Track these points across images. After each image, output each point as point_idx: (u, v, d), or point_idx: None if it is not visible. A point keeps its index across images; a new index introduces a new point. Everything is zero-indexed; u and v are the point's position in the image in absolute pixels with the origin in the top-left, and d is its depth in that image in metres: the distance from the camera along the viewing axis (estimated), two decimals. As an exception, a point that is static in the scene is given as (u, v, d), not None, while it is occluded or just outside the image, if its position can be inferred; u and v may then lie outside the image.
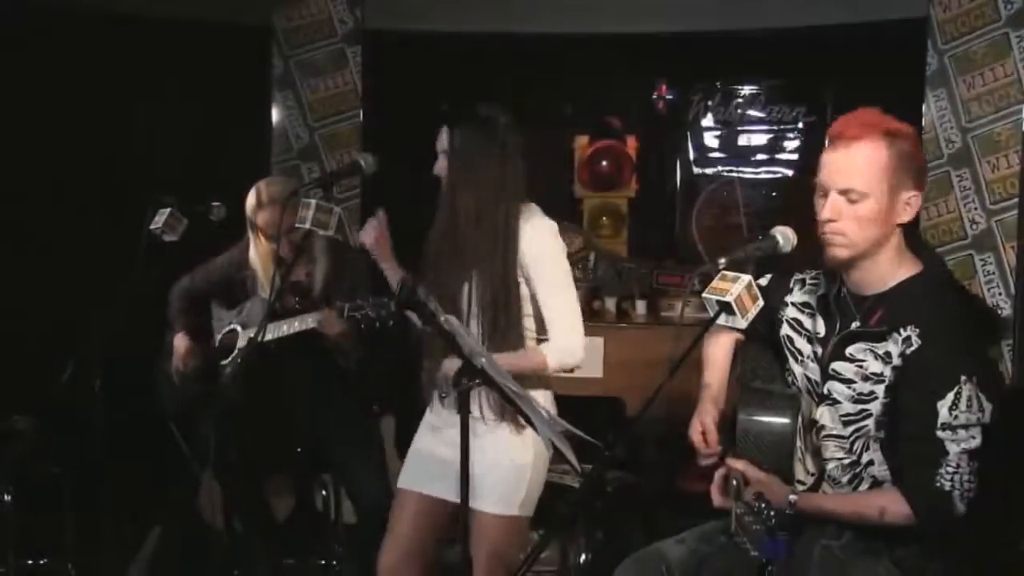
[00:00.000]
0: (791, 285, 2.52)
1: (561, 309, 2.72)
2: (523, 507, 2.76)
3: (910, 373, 2.23)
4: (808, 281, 2.49)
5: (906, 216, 2.27)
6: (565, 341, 2.70)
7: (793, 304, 2.49)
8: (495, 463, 2.73)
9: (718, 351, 2.69)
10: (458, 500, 2.74)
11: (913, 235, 2.43)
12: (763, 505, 2.13)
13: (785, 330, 2.48)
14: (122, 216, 3.75)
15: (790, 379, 2.49)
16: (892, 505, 2.24)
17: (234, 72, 5.35)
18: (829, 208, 2.27)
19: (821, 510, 2.32)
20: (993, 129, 4.71)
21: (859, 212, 2.25)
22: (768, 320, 2.52)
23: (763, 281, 2.57)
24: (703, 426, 2.52)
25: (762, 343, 2.57)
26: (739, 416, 2.41)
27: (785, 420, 2.37)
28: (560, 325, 2.71)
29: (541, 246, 2.73)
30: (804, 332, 2.44)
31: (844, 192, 2.25)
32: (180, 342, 3.86)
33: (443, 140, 2.78)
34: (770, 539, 2.18)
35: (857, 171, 2.24)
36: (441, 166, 2.78)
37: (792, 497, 2.30)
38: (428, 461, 2.86)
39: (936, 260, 2.42)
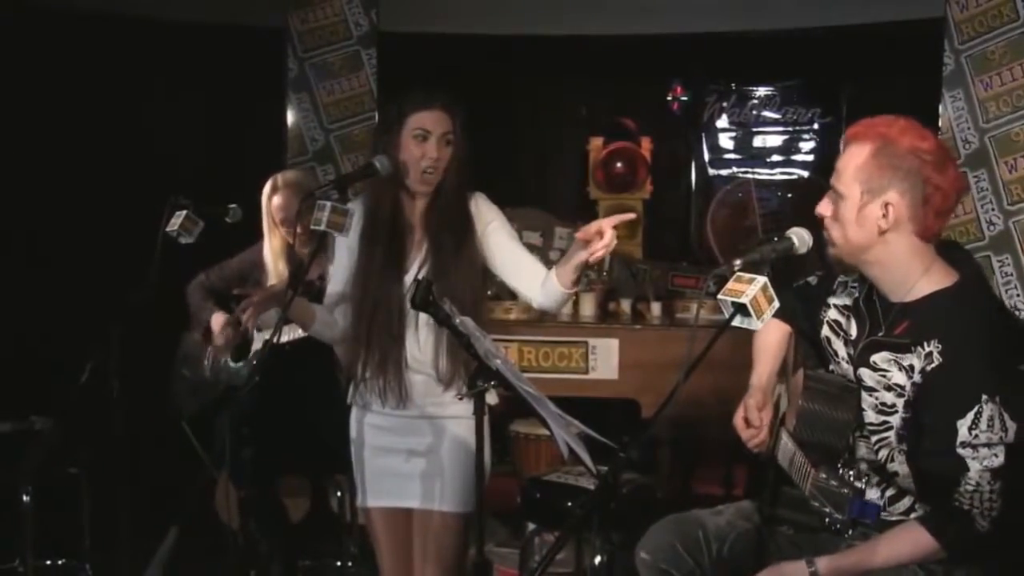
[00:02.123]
0: (834, 287, 2.51)
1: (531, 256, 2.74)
2: (476, 499, 2.74)
3: (930, 390, 2.21)
4: (850, 283, 2.48)
5: (884, 224, 2.22)
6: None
7: (835, 306, 2.48)
8: (457, 463, 2.74)
9: (769, 341, 2.67)
10: (419, 506, 2.77)
11: (953, 244, 2.40)
12: (849, 471, 2.13)
13: (825, 331, 2.48)
14: (138, 218, 3.77)
15: None
16: (917, 542, 2.22)
17: (249, 74, 5.37)
18: (821, 203, 2.31)
19: (848, 569, 2.27)
20: (1011, 129, 4.69)
21: (839, 213, 2.27)
22: (811, 320, 2.53)
23: (812, 280, 2.59)
24: (747, 410, 2.51)
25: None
26: (800, 403, 2.42)
27: (844, 412, 2.36)
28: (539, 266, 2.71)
29: (492, 211, 2.74)
30: (841, 334, 2.44)
31: (832, 189, 2.29)
32: (217, 318, 3.86)
33: (444, 123, 2.68)
34: (859, 500, 2.19)
35: (839, 170, 2.27)
36: (441, 152, 2.67)
37: (811, 569, 2.27)
38: (382, 475, 2.83)
39: (973, 273, 2.36)
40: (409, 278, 2.66)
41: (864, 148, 2.23)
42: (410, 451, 2.78)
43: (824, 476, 2.24)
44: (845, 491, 2.21)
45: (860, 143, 2.25)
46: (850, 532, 2.30)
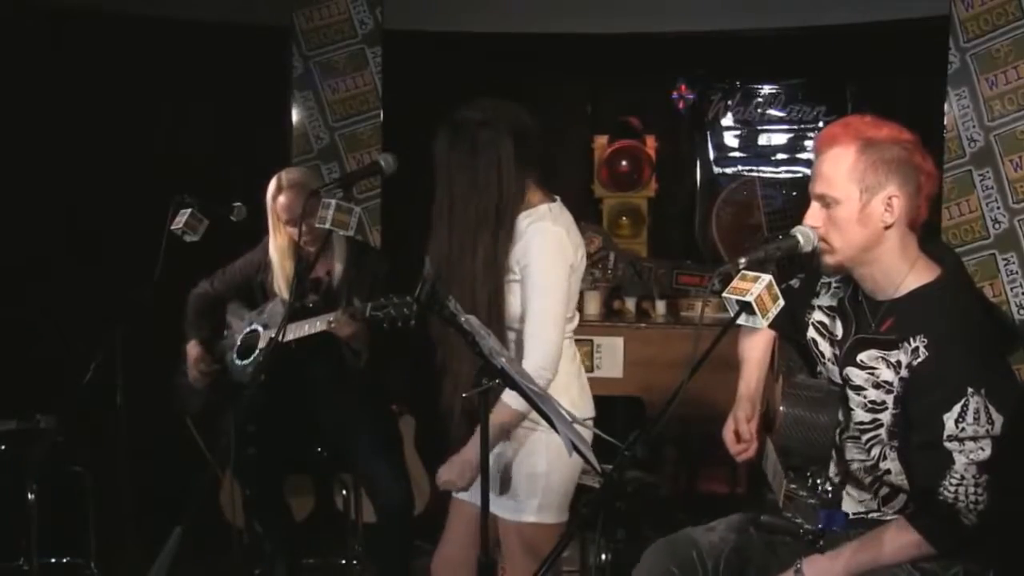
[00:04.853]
0: (818, 288, 2.51)
1: (538, 324, 2.66)
2: (541, 513, 2.74)
3: (917, 385, 2.21)
4: (833, 284, 2.48)
5: (889, 218, 2.22)
6: (538, 360, 2.64)
7: (820, 307, 2.48)
8: (507, 470, 2.74)
9: (754, 349, 2.68)
10: (469, 500, 2.79)
11: (934, 239, 2.40)
12: (817, 480, 2.11)
13: (811, 333, 2.48)
14: (142, 216, 3.77)
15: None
16: (904, 538, 2.22)
17: (254, 73, 5.37)
18: (808, 215, 2.29)
19: (837, 568, 2.27)
20: (1016, 128, 4.67)
21: (834, 218, 2.25)
22: (795, 323, 2.52)
23: (795, 283, 2.58)
24: (736, 422, 2.51)
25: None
26: (781, 409, 2.41)
27: (826, 416, 2.35)
28: (534, 342, 2.66)
29: (533, 253, 2.67)
30: (827, 335, 2.44)
31: (820, 198, 2.27)
32: (192, 350, 3.88)
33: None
34: (826, 510, 2.18)
35: (827, 176, 2.25)
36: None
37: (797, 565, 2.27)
38: None
39: (955, 266, 2.38)
40: None
41: (848, 150, 2.23)
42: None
43: (794, 486, 2.22)
44: (812, 501, 2.20)
45: (841, 146, 2.24)
46: (820, 543, 2.30)
